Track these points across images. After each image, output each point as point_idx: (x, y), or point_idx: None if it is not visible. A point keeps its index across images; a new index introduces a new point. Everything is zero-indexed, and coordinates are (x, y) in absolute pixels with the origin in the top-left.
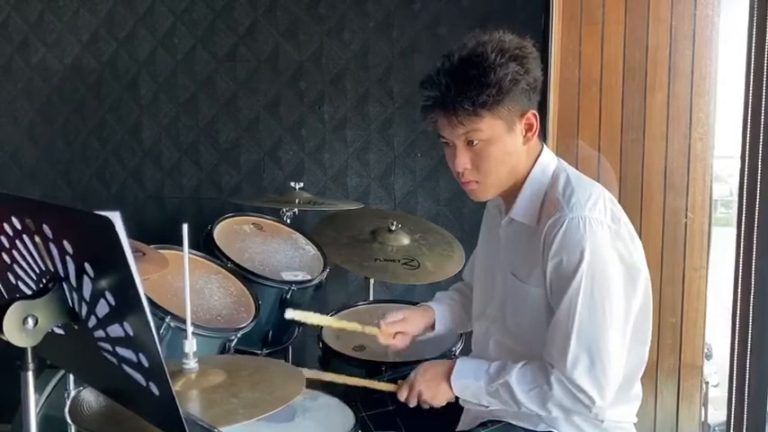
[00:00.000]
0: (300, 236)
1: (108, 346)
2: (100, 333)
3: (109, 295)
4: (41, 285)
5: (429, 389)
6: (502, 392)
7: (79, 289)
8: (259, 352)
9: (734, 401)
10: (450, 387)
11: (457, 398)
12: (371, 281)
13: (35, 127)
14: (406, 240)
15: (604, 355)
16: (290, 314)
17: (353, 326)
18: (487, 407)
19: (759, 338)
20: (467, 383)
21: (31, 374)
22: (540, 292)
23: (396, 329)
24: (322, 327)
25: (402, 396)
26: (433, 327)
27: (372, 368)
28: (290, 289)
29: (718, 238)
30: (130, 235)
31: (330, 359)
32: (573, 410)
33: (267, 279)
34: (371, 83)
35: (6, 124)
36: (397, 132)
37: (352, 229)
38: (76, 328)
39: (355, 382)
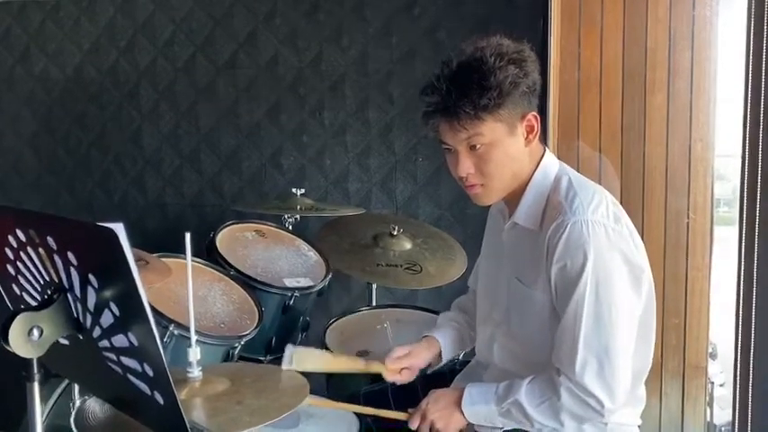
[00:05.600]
0: (302, 242)
1: (113, 356)
2: (105, 343)
3: (113, 306)
4: (46, 296)
5: (441, 418)
6: (513, 411)
7: (84, 300)
8: (263, 358)
9: (738, 401)
10: (463, 414)
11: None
12: (374, 286)
13: (37, 137)
14: (408, 245)
15: (613, 358)
16: (286, 366)
17: (357, 366)
18: (502, 428)
19: (762, 337)
20: (478, 409)
21: (36, 385)
22: (545, 296)
23: (401, 365)
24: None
25: (414, 425)
26: (440, 356)
27: (376, 373)
28: (292, 295)
29: (722, 237)
30: (133, 243)
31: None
32: (585, 417)
33: (270, 286)
34: (371, 88)
35: (8, 134)
36: (398, 137)
37: (353, 235)
38: (81, 338)
39: (364, 410)
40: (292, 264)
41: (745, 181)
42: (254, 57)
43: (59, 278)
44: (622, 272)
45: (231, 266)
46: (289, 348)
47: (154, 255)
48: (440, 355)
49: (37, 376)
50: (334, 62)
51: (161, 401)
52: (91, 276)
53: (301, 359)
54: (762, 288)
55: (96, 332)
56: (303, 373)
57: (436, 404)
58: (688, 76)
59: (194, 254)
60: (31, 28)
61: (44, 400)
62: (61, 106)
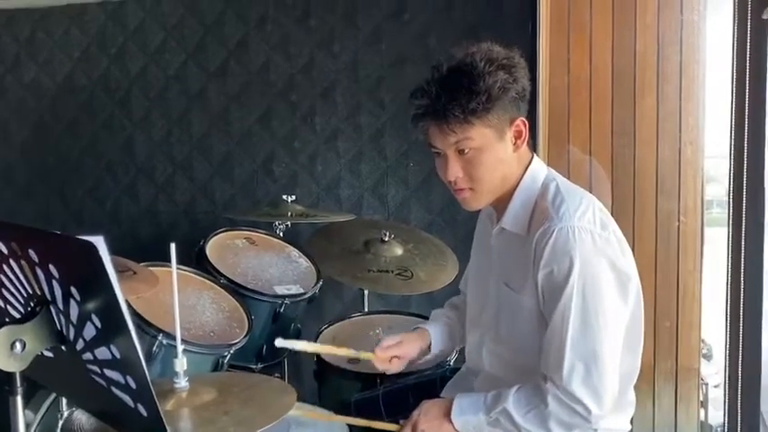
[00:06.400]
0: (293, 249)
1: (96, 369)
2: (88, 356)
3: (95, 318)
4: (29, 309)
5: (431, 429)
6: (502, 420)
7: (66, 312)
8: (254, 367)
9: (728, 400)
10: (452, 425)
11: None
12: (366, 292)
13: (28, 145)
14: (399, 251)
15: (600, 364)
16: (280, 343)
17: (347, 352)
18: None
19: (750, 337)
20: (467, 419)
21: (19, 399)
22: (532, 301)
23: (392, 353)
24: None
25: None
26: (429, 349)
27: (367, 381)
28: (283, 303)
29: (716, 238)
30: (125, 251)
31: (325, 372)
32: (572, 424)
33: (260, 293)
34: (362, 94)
35: None
36: (389, 142)
37: (345, 241)
38: (65, 351)
39: (355, 422)
40: (283, 271)
41: (732, 182)
42: (246, 63)
43: (42, 291)
44: (609, 278)
45: (221, 274)
46: (279, 340)
47: (141, 264)
48: (429, 347)
49: (20, 390)
50: (325, 68)
51: (144, 414)
52: (73, 289)
53: (293, 342)
54: (750, 289)
55: (79, 345)
56: (295, 379)
57: (426, 415)
58: (677, 79)
59: (185, 262)
60: (21, 36)
61: (34, 410)
62: (52, 114)
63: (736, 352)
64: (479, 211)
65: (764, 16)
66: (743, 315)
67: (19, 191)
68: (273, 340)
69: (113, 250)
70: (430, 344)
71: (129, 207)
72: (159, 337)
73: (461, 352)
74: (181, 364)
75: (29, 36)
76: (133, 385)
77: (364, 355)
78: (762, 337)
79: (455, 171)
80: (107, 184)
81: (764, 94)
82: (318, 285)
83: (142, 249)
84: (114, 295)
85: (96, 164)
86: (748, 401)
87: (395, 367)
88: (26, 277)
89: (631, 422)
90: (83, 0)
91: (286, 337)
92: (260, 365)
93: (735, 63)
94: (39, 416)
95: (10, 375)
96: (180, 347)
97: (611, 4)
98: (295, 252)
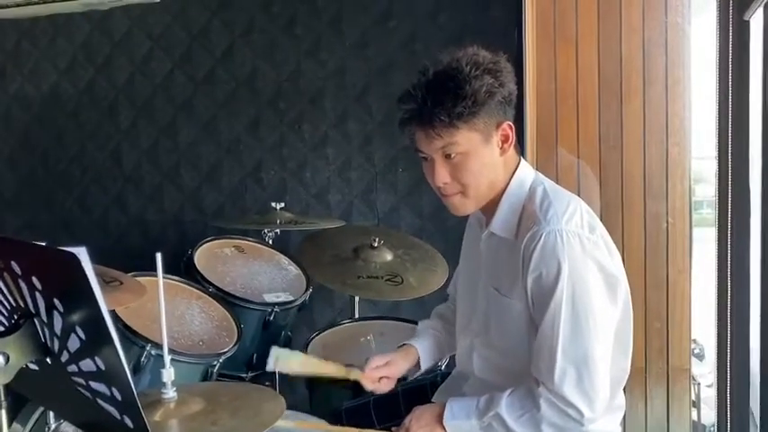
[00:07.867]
0: (283, 256)
1: (81, 381)
2: (73, 368)
3: (79, 330)
4: (13, 322)
5: None
6: (495, 425)
7: (50, 325)
8: (244, 375)
9: (717, 400)
10: (445, 430)
11: None
12: (356, 298)
13: (15, 156)
14: (389, 256)
15: (591, 367)
16: (271, 367)
17: (338, 372)
18: None
19: (738, 336)
20: (459, 424)
21: (4, 413)
22: (522, 305)
23: (380, 374)
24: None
25: None
26: (418, 365)
27: (360, 387)
28: (272, 311)
29: (707, 239)
30: (114, 261)
31: (316, 380)
32: (565, 428)
33: (249, 302)
34: (350, 101)
35: None
36: (378, 149)
37: (334, 248)
38: (50, 363)
39: (348, 431)
40: (272, 278)
41: (718, 182)
42: (233, 72)
43: (25, 303)
44: (598, 280)
45: (210, 283)
46: (273, 350)
47: (130, 274)
48: (418, 363)
49: (4, 404)
50: (312, 75)
51: (131, 425)
52: (56, 301)
53: (284, 361)
54: (736, 289)
55: (64, 357)
56: (285, 389)
57: (419, 421)
58: (663, 82)
59: (174, 271)
60: (6, 46)
61: (23, 422)
62: (39, 124)
63: (725, 351)
64: (468, 215)
65: (746, 17)
66: (730, 314)
67: (6, 202)
68: (264, 349)
69: (102, 260)
70: (418, 361)
71: (117, 216)
72: (147, 348)
73: (453, 357)
74: (168, 374)
75: (14, 46)
76: (119, 397)
77: (354, 375)
78: (749, 336)
79: (442, 176)
80: (95, 193)
81: (748, 95)
82: (308, 292)
83: (131, 259)
84: (98, 307)
85: (84, 174)
86: (737, 400)
87: (383, 387)
88: (9, 290)
89: (624, 424)
90: (68, 10)
91: (276, 344)
92: (250, 374)
93: (718, 64)
94: (27, 428)
95: None
96: (167, 357)
97: (597, 8)
98: (284, 259)
